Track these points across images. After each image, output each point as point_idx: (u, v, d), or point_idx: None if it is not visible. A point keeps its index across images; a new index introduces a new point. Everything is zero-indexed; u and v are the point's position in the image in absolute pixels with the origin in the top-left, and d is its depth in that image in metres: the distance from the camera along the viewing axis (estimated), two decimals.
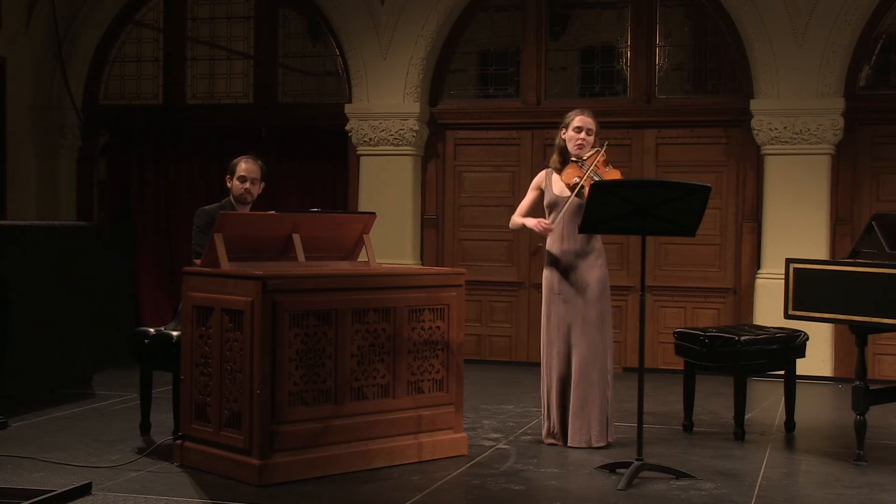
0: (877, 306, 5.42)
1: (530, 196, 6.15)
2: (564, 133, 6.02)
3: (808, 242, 8.38)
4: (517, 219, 6.15)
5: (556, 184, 5.99)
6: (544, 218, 6.01)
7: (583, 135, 5.95)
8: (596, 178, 5.74)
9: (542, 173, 6.13)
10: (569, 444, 5.86)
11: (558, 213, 5.91)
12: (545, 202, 6.04)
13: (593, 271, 5.90)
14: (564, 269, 5.92)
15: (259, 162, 6.21)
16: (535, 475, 5.28)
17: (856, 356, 5.67)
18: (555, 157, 6.06)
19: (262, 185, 6.23)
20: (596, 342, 5.86)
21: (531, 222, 5.99)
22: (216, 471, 5.12)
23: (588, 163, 5.86)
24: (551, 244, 5.99)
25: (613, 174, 5.91)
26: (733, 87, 8.93)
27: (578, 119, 5.98)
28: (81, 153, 10.26)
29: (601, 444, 5.84)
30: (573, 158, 5.94)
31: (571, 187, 5.82)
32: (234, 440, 5.04)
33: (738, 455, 5.80)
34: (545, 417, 6.00)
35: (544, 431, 6.00)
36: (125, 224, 9.81)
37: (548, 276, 5.99)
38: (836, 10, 8.41)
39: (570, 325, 5.89)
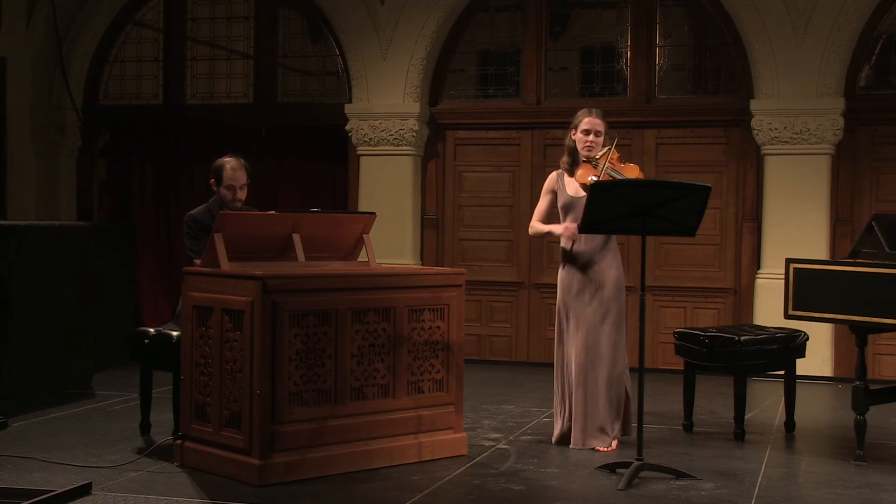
0: (877, 306, 5.41)
1: (545, 200, 6.01)
2: (574, 134, 5.93)
3: (808, 242, 8.38)
4: (539, 226, 6.02)
5: (570, 185, 5.90)
6: (558, 220, 5.94)
7: (591, 137, 5.87)
8: (614, 175, 5.71)
9: (553, 175, 6.02)
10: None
11: (575, 214, 5.81)
12: (560, 204, 5.94)
13: (610, 271, 5.86)
14: (581, 268, 5.85)
15: (243, 162, 6.02)
16: (535, 475, 5.27)
17: (856, 356, 5.67)
18: (564, 158, 5.97)
19: (248, 181, 6.07)
20: (613, 340, 5.83)
21: (558, 229, 5.87)
22: (216, 471, 5.12)
23: (602, 161, 5.81)
24: (568, 244, 5.91)
25: (632, 170, 5.86)
26: (733, 87, 8.92)
27: (587, 121, 5.88)
28: (81, 153, 10.26)
29: (617, 439, 5.80)
30: (584, 159, 5.90)
31: (588, 188, 5.75)
32: (234, 440, 5.04)
33: (738, 455, 5.80)
34: (562, 418, 5.93)
35: (557, 432, 5.94)
36: (125, 224, 9.80)
37: (564, 275, 5.92)
38: (836, 10, 8.41)
39: (587, 325, 5.84)
